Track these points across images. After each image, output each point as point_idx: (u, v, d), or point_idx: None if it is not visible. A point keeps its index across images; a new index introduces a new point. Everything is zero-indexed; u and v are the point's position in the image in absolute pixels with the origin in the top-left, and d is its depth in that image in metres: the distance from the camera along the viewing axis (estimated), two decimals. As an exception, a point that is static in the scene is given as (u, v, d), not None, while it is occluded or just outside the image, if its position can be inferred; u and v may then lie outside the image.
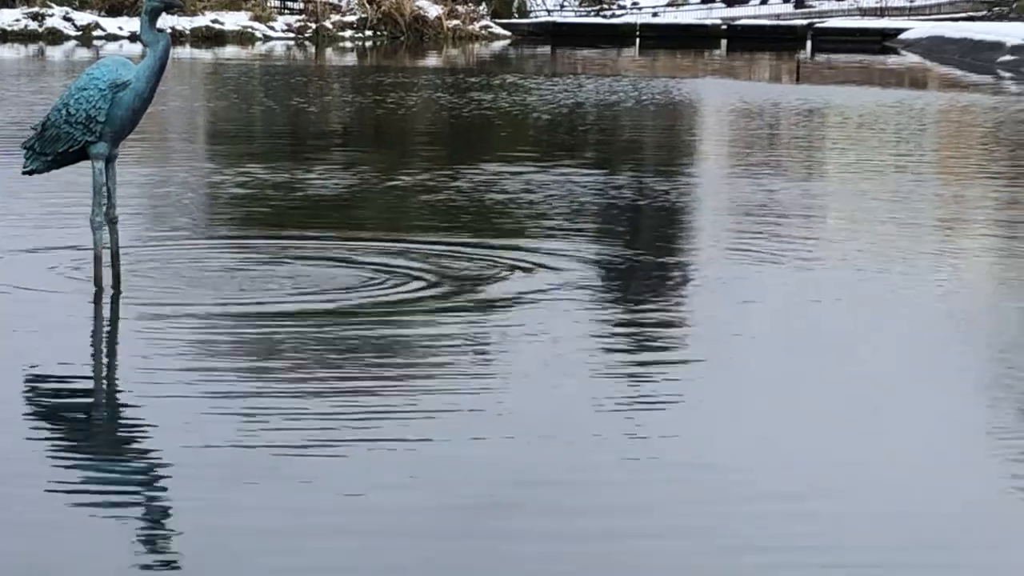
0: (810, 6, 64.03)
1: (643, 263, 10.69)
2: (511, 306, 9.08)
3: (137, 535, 5.32)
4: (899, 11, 59.34)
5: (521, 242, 11.22)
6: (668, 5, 68.05)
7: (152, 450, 6.38)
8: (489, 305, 9.08)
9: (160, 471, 6.08)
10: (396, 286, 9.43)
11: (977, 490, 6.00)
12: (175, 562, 5.09)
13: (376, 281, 9.59)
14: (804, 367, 7.97)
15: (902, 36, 44.08)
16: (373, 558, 5.15)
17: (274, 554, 5.13)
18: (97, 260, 8.82)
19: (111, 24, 41.42)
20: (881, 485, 6.06)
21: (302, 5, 48.34)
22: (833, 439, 6.67)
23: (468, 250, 10.71)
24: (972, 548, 5.42)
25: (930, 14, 55.72)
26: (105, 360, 7.93)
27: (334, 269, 9.99)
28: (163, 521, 5.47)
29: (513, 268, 10.09)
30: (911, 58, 40.36)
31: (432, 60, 38.90)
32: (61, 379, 7.52)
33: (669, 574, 5.12)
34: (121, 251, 9.00)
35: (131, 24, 37.76)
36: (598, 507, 5.73)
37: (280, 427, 6.55)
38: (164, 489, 5.90)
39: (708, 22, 55.29)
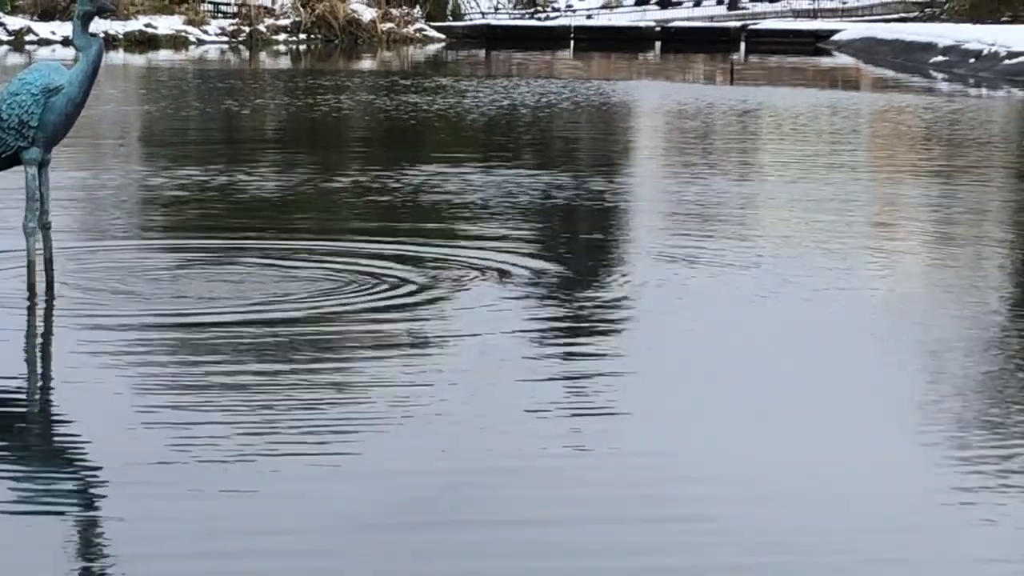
0: (743, 8, 64.44)
1: (579, 263, 10.62)
2: (446, 305, 9.06)
3: (68, 546, 5.22)
4: (832, 12, 59.80)
5: (456, 242, 11.22)
6: (602, 8, 68.34)
7: (83, 462, 6.30)
8: (427, 304, 9.06)
9: (90, 482, 5.99)
10: (336, 288, 9.38)
11: (899, 476, 6.00)
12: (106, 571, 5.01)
13: (317, 284, 9.53)
14: (730, 361, 7.94)
15: (835, 38, 44.41)
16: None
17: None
18: (31, 266, 8.70)
19: (43, 28, 41.32)
20: (807, 472, 6.05)
21: (235, 9, 48.33)
22: (749, 427, 6.66)
23: (406, 251, 10.68)
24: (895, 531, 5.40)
25: (862, 16, 56.18)
26: (38, 370, 7.80)
27: (271, 272, 9.93)
28: (94, 532, 5.38)
29: (448, 268, 10.08)
30: (844, 59, 40.65)
31: (367, 63, 39.00)
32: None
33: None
34: (54, 257, 8.87)
35: (64, 28, 37.64)
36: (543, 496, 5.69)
37: (213, 436, 6.46)
38: (95, 500, 5.80)
39: (642, 24, 55.55)
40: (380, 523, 5.47)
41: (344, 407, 7.03)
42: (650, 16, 61.84)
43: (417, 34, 47.55)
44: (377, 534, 5.37)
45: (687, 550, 5.26)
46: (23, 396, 7.28)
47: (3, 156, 8.76)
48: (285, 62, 38.88)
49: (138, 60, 37.24)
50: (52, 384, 7.47)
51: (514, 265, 10.23)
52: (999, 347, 8.58)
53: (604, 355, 8.19)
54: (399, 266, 10.10)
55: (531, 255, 10.74)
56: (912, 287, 10.39)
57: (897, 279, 10.52)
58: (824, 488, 6.00)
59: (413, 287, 9.43)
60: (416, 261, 10.32)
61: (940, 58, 35.21)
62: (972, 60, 33.76)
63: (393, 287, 9.39)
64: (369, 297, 9.17)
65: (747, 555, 5.20)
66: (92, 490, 5.88)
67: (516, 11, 63.14)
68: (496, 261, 10.36)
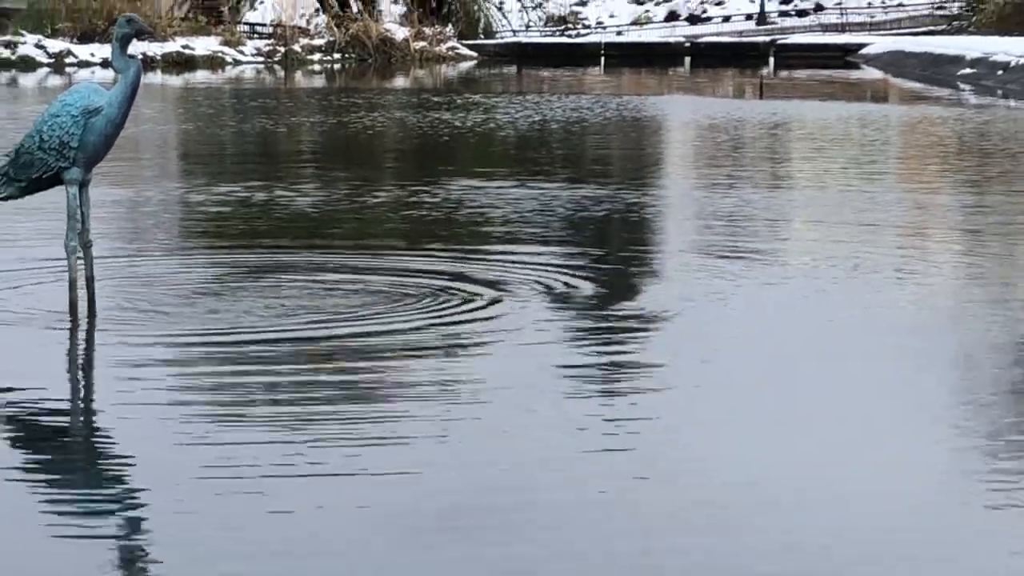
0: (772, 23, 64.40)
1: (616, 275, 10.62)
2: (486, 316, 9.04)
3: (114, 563, 5.24)
4: (860, 27, 59.80)
5: (494, 255, 11.21)
6: (631, 24, 68.39)
7: (125, 476, 6.31)
8: (467, 316, 9.03)
9: (131, 497, 5.99)
10: (376, 303, 9.39)
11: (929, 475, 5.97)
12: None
13: (356, 299, 9.54)
14: (775, 368, 7.93)
15: (863, 51, 44.37)
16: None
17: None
18: (72, 284, 8.67)
19: (83, 51, 41.45)
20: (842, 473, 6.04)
21: (271, 30, 48.41)
22: (801, 435, 6.64)
23: (444, 265, 10.70)
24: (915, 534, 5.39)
25: (891, 29, 56.14)
26: (80, 386, 7.79)
27: (311, 286, 9.95)
28: (134, 548, 5.39)
29: (488, 280, 10.05)
30: (873, 72, 40.56)
31: (400, 81, 39.01)
32: (36, 407, 7.41)
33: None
34: (95, 275, 8.86)
35: (102, 51, 37.83)
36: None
37: (254, 450, 6.48)
38: (137, 515, 5.81)
39: (671, 40, 55.68)
40: (424, 527, 5.47)
41: (384, 421, 7.03)
42: (679, 32, 61.93)
43: (449, 52, 47.61)
44: (423, 538, 5.37)
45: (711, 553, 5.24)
46: (65, 413, 7.28)
47: (45, 176, 8.73)
48: (320, 81, 38.92)
49: (176, 81, 37.30)
50: (94, 400, 7.47)
51: (553, 277, 10.22)
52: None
53: (643, 364, 8.19)
54: (438, 280, 10.10)
55: (569, 267, 10.73)
56: (943, 297, 10.36)
57: (929, 289, 10.50)
58: (848, 489, 5.99)
59: (453, 300, 9.42)
60: (455, 275, 10.31)
61: (968, 70, 35.13)
62: (1000, 72, 33.66)
63: (433, 300, 9.39)
64: (410, 310, 9.16)
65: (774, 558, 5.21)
66: (133, 504, 5.87)
67: (547, 29, 63.23)
68: (535, 274, 10.35)
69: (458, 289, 9.71)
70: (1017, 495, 5.86)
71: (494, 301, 9.39)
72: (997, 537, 5.47)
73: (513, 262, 10.89)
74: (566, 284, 10.03)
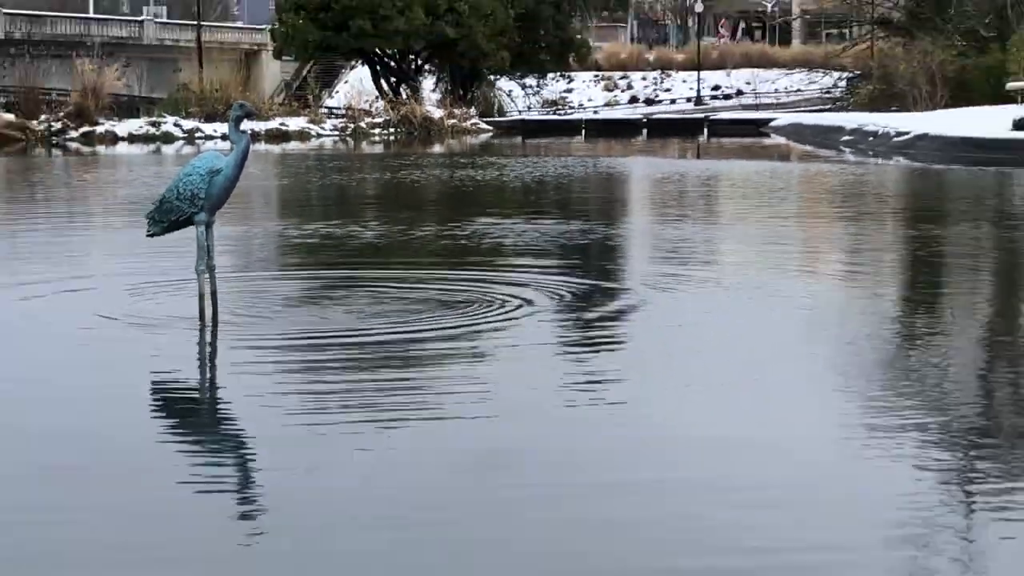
0: (706, 104, 64.45)
1: (595, 286, 10.60)
2: (510, 315, 8.99)
3: (241, 518, 5.22)
4: (769, 106, 59.80)
5: (506, 273, 11.19)
6: (604, 105, 68.40)
7: (249, 443, 6.31)
8: (487, 320, 8.99)
9: (247, 460, 5.99)
10: (426, 309, 9.38)
11: (825, 433, 5.94)
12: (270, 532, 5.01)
13: (410, 305, 9.55)
14: (711, 351, 7.90)
15: (772, 124, 44.32)
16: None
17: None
18: (201, 298, 8.67)
19: (209, 128, 41.55)
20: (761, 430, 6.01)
21: (344, 111, 48.55)
22: (728, 398, 6.62)
23: (473, 280, 10.66)
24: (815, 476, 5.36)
25: (791, 108, 56.09)
26: (207, 376, 7.75)
27: (379, 295, 9.95)
28: (249, 502, 5.37)
29: (502, 291, 10.04)
30: (778, 139, 40.55)
31: (437, 148, 38.96)
32: (175, 391, 7.42)
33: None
34: (218, 290, 8.86)
35: (222, 127, 37.85)
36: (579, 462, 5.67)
37: (344, 426, 6.47)
38: (251, 474, 5.80)
39: (633, 117, 55.71)
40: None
41: (437, 402, 7.01)
42: (639, 111, 62.00)
43: (472, 127, 47.67)
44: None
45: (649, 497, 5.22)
46: (196, 395, 7.30)
47: (181, 220, 8.75)
48: (379, 148, 38.94)
49: (275, 149, 37.32)
50: (217, 386, 7.43)
51: (552, 288, 10.20)
52: (899, 339, 8.57)
53: (615, 351, 8.20)
54: (471, 289, 10.09)
55: (563, 280, 10.72)
56: (832, 299, 10.35)
57: (820, 293, 10.48)
58: (769, 441, 5.96)
59: (488, 304, 9.40)
60: (483, 286, 10.29)
61: (848, 137, 35.14)
62: (871, 138, 33.66)
63: (471, 305, 9.37)
64: (455, 312, 9.14)
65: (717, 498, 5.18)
66: (248, 467, 5.86)
67: (543, 109, 63.25)
68: (540, 285, 10.35)
69: (488, 296, 9.72)
70: (887, 445, 5.85)
71: (516, 305, 9.39)
72: (871, 477, 5.46)
73: (522, 277, 10.89)
74: (563, 292, 10.03)
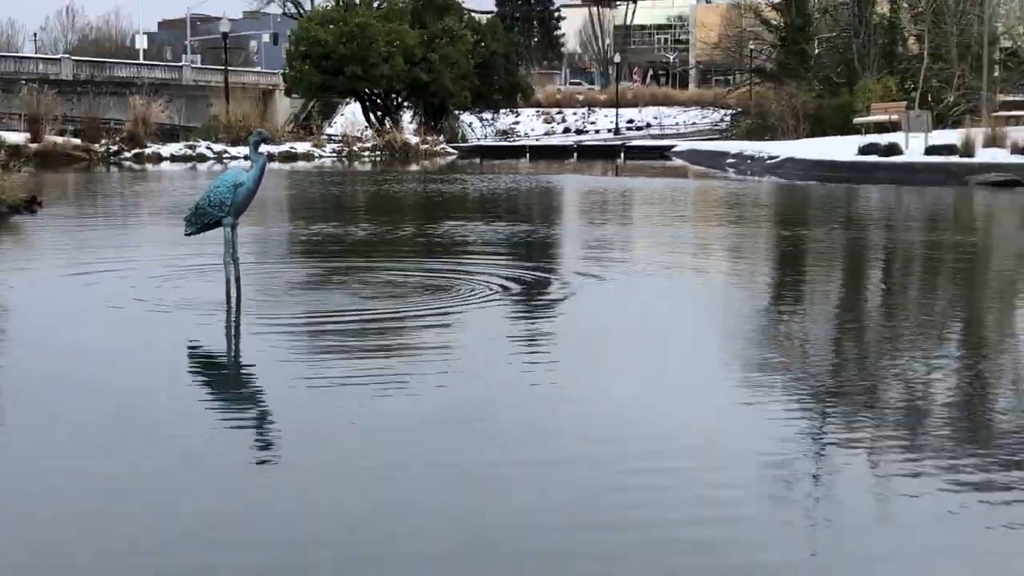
0: (623, 134, 64.50)
1: (537, 275, 10.58)
2: (465, 301, 8.97)
3: (248, 454, 5.18)
4: (672, 135, 59.92)
5: (469, 264, 11.16)
6: (544, 134, 68.32)
7: (259, 395, 6.26)
8: (457, 301, 8.96)
9: (262, 409, 5.95)
10: (405, 294, 9.33)
11: (710, 402, 5.95)
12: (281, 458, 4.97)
13: (395, 289, 9.48)
14: (627, 328, 7.90)
15: (674, 149, 44.38)
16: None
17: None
18: (227, 284, 8.62)
19: (234, 150, 41.14)
20: (658, 397, 6.01)
21: (340, 137, 48.25)
22: (639, 368, 6.62)
23: (442, 271, 10.62)
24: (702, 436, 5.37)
25: (690, 137, 56.18)
26: (233, 348, 7.61)
27: (371, 281, 9.89)
28: (269, 442, 5.33)
29: (464, 279, 10.02)
30: (679, 162, 40.62)
31: (413, 167, 38.75)
32: (205, 360, 7.34)
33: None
34: (242, 277, 8.78)
35: (244, 150, 37.51)
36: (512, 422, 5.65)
37: (347, 387, 6.42)
38: (268, 418, 5.76)
39: (567, 143, 55.63)
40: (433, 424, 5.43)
41: (416, 365, 6.97)
42: (571, 139, 61.92)
43: (441, 151, 47.43)
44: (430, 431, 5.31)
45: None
46: (223, 356, 7.23)
47: (211, 222, 8.71)
48: (368, 167, 38.70)
49: (286, 167, 37.05)
50: (241, 357, 7.29)
51: (507, 277, 10.19)
52: (769, 313, 8.61)
53: (550, 321, 8.18)
54: (446, 277, 10.06)
55: (514, 270, 10.71)
56: (717, 282, 10.39)
57: (712, 282, 10.53)
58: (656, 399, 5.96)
59: (459, 289, 9.36)
60: (455, 274, 10.25)
61: (732, 160, 35.25)
62: (749, 161, 33.79)
63: (434, 291, 9.35)
64: (433, 297, 9.10)
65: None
66: (265, 415, 5.83)
67: (496, 137, 63.12)
68: (491, 275, 10.32)
69: (458, 283, 9.70)
70: (766, 404, 5.88)
71: (473, 289, 9.38)
72: (750, 430, 5.48)
73: (485, 267, 10.86)
74: (515, 280, 10.02)
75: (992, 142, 28.41)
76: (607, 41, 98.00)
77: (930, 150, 28.30)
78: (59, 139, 40.10)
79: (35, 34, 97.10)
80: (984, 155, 27.23)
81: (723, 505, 4.22)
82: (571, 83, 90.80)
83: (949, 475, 4.54)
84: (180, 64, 67.03)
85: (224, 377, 6.61)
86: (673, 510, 4.17)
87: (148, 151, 41.12)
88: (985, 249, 13.49)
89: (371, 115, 52.92)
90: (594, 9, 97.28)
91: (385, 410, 5.60)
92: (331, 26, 50.05)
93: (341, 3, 52.10)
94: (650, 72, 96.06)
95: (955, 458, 4.77)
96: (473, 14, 58.58)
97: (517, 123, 70.45)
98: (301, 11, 65.26)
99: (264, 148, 9.11)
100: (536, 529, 3.98)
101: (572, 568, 3.65)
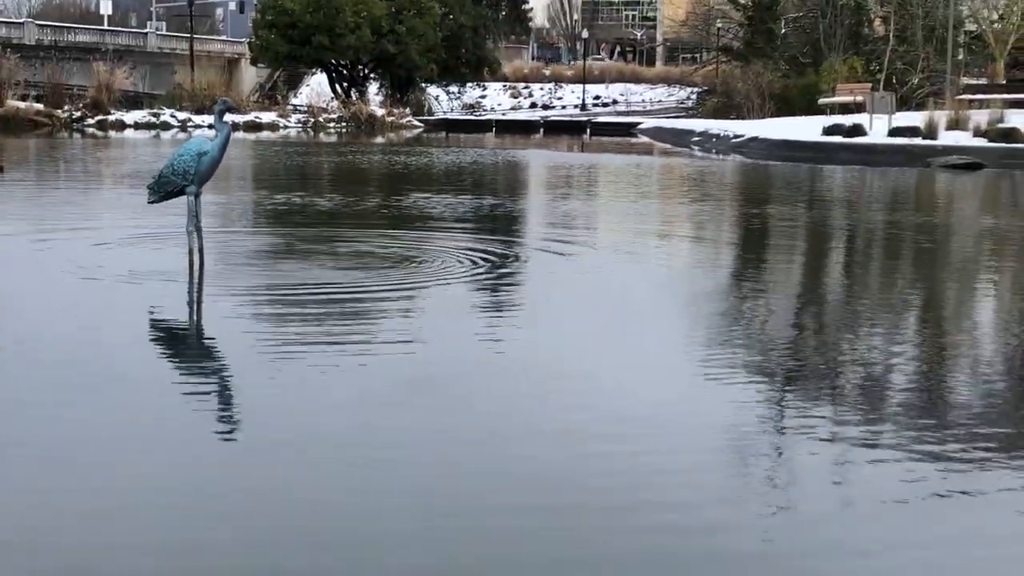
0: (589, 110, 64.43)
1: (501, 249, 10.57)
2: (431, 270, 8.95)
3: (214, 412, 5.16)
4: (638, 112, 59.89)
5: (434, 236, 11.15)
6: (511, 109, 68.12)
7: (221, 362, 6.23)
8: (424, 271, 8.95)
9: (224, 375, 5.92)
10: (370, 264, 9.30)
11: (675, 377, 5.97)
12: (238, 415, 4.95)
13: (359, 261, 9.44)
14: (587, 299, 7.92)
15: (639, 127, 44.46)
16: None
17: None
18: (191, 253, 8.57)
19: (199, 119, 40.81)
20: (621, 372, 6.03)
21: (306, 108, 47.92)
22: (596, 336, 6.65)
23: (407, 242, 10.60)
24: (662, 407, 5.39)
25: (656, 115, 56.19)
26: (195, 316, 7.56)
27: (334, 252, 9.85)
28: (232, 400, 5.31)
29: (429, 250, 10.00)
30: (644, 139, 40.68)
31: (379, 139, 38.59)
32: (167, 327, 7.28)
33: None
34: (204, 247, 8.72)
35: (209, 119, 37.29)
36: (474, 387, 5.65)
37: (310, 351, 6.39)
38: (229, 384, 5.74)
39: (533, 118, 55.55)
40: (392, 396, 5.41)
41: (379, 335, 6.95)
42: (537, 114, 61.81)
43: (407, 123, 47.26)
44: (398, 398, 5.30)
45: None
46: (186, 332, 7.10)
47: (174, 191, 8.65)
48: (334, 138, 38.49)
49: (251, 136, 36.76)
50: (203, 324, 7.24)
51: (464, 249, 10.18)
52: (734, 291, 8.66)
53: (512, 295, 8.18)
54: (402, 250, 10.04)
55: (481, 242, 10.70)
56: (681, 257, 10.43)
57: (672, 256, 10.56)
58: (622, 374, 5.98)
59: (413, 263, 9.36)
60: (414, 247, 10.25)
61: (697, 138, 35.34)
62: (714, 139, 33.91)
63: (399, 263, 9.33)
64: (386, 269, 9.10)
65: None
66: (224, 371, 5.81)
67: (463, 111, 62.87)
68: (456, 248, 10.31)
69: (424, 255, 9.68)
70: (719, 371, 5.91)
71: (440, 261, 9.38)
72: (703, 397, 5.52)
73: (450, 240, 10.85)
74: (480, 253, 10.01)
75: (955, 125, 28.65)
76: (575, 16, 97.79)
77: (894, 132, 28.51)
78: (21, 104, 39.63)
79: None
80: (947, 138, 27.46)
81: (684, 475, 4.25)
82: (538, 59, 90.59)
83: (911, 450, 4.58)
84: (145, 31, 66.14)
85: (183, 346, 6.55)
86: (631, 483, 4.19)
87: (112, 118, 40.71)
88: (945, 229, 13.62)
89: (337, 86, 52.55)
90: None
91: (347, 379, 5.59)
92: (298, -5, 49.60)
93: (308, -28, 51.66)
94: (617, 49, 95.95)
95: (914, 432, 4.82)
96: (441, -14, 58.23)
97: (484, 97, 70.19)
98: (268, -20, 64.61)
99: (229, 117, 9.03)
100: (487, 502, 3.98)
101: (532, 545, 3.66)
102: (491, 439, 4.67)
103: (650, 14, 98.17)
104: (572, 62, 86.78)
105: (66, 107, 40.76)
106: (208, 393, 5.36)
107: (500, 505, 3.94)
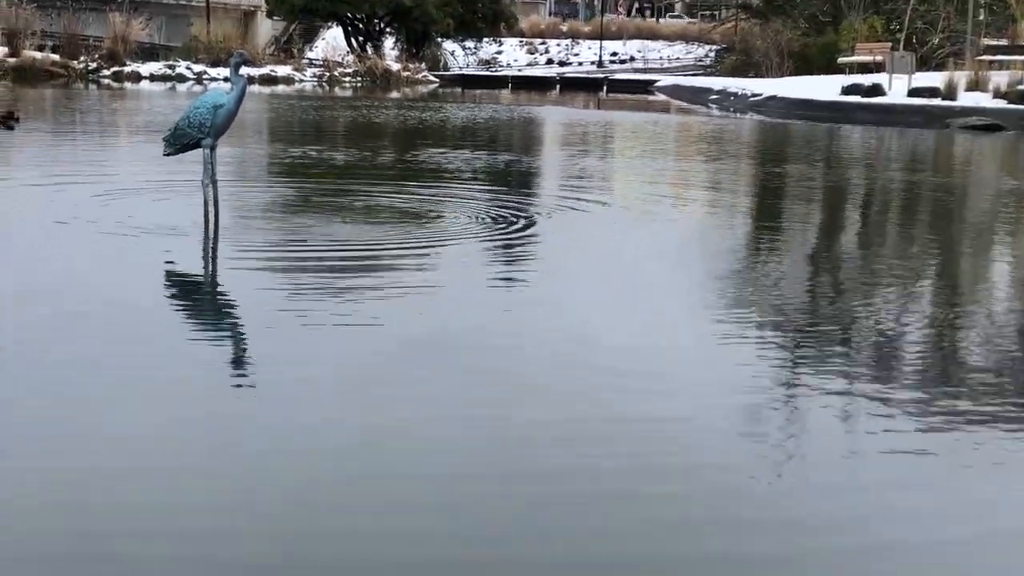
0: (606, 67, 64.05)
1: (517, 206, 10.53)
2: (445, 228, 8.93)
3: (216, 366, 5.15)
4: (655, 70, 59.53)
5: (448, 190, 11.11)
6: (527, 65, 67.76)
7: (233, 321, 6.22)
8: (438, 228, 8.92)
9: (236, 335, 5.91)
10: (382, 222, 9.29)
11: (687, 337, 5.95)
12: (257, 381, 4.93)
13: (372, 216, 9.43)
14: (603, 258, 7.89)
15: (657, 84, 44.21)
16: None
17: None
18: (205, 204, 8.57)
19: (214, 71, 40.69)
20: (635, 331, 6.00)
21: (322, 62, 47.73)
22: (614, 298, 6.62)
23: (426, 194, 10.57)
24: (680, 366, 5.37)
25: (673, 73, 55.86)
26: (209, 271, 7.51)
27: (351, 205, 9.83)
28: (241, 363, 5.31)
29: (445, 207, 9.97)
30: (661, 97, 40.43)
31: (394, 94, 38.44)
32: (182, 279, 7.28)
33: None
34: (220, 200, 8.72)
35: (225, 71, 37.18)
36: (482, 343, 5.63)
37: (321, 312, 6.38)
38: (241, 343, 5.73)
39: (549, 75, 55.24)
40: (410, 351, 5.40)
41: (395, 291, 6.94)
42: (554, 70, 61.44)
43: (422, 79, 47.06)
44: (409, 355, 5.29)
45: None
46: (200, 288, 7.03)
47: (190, 143, 8.60)
48: (349, 93, 38.36)
49: (266, 90, 36.66)
50: (218, 280, 7.18)
51: (489, 205, 10.15)
52: (753, 250, 8.62)
53: (528, 258, 8.15)
54: (419, 206, 10.02)
55: (499, 198, 10.67)
56: (697, 217, 10.38)
57: (688, 216, 10.51)
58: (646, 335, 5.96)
59: (429, 219, 9.34)
60: (430, 202, 10.23)
61: (715, 96, 35.12)
62: (732, 98, 33.68)
63: (415, 218, 9.31)
64: (401, 225, 9.07)
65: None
66: (238, 339, 5.80)
67: (479, 67, 62.55)
68: (473, 204, 10.29)
69: (440, 211, 9.64)
70: (735, 332, 5.88)
71: (456, 216, 9.35)
72: (717, 359, 5.50)
73: (467, 195, 10.82)
74: (496, 210, 9.98)
75: (975, 86, 28.38)
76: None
77: (913, 92, 28.27)
78: (38, 55, 39.54)
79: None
80: (966, 99, 27.21)
81: (688, 437, 4.23)
82: (555, 14, 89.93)
83: (923, 409, 4.56)
84: (161, -18, 65.88)
85: (197, 303, 6.52)
86: (646, 437, 4.17)
87: (127, 69, 40.63)
88: (964, 191, 13.52)
89: (353, 40, 52.32)
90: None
91: (364, 336, 5.57)
92: (315, -53, 49.30)
93: (325, -76, 51.28)
94: (636, 5, 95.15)
95: (928, 392, 4.79)
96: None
97: (500, 53, 69.82)
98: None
99: (244, 70, 8.97)
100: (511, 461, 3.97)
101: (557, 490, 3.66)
102: (508, 402, 4.66)
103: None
104: (589, 18, 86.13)
105: (82, 58, 40.67)
106: (222, 348, 5.35)
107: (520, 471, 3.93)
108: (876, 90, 28.62)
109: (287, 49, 52.20)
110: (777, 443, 4.13)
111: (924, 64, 35.95)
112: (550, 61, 70.43)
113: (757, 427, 4.31)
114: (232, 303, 6.37)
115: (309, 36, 60.82)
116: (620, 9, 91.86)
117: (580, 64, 68.83)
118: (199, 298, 6.52)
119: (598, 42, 68.86)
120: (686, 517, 3.45)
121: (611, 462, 3.85)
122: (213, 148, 8.58)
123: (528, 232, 9.08)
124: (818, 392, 4.79)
